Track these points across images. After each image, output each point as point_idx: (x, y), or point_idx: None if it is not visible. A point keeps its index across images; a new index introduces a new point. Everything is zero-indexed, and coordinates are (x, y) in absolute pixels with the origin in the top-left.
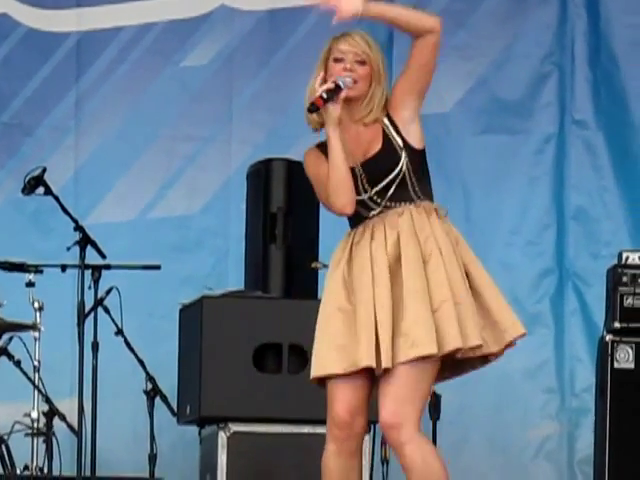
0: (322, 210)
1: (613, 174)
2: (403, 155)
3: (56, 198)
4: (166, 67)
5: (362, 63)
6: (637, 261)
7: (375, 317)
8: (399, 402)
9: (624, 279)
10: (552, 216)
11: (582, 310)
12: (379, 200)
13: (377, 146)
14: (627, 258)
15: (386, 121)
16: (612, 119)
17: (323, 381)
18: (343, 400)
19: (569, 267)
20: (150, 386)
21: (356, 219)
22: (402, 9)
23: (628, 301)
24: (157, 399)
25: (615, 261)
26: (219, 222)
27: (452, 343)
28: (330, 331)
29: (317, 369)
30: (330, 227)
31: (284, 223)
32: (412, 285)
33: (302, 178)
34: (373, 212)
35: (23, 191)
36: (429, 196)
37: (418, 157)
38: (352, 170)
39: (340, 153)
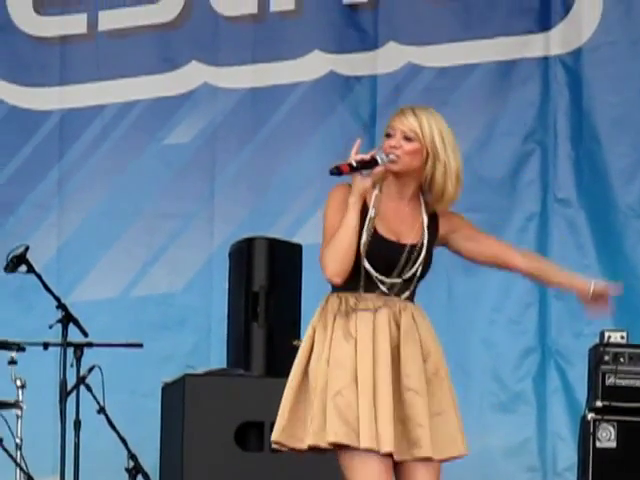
0: (304, 289)
1: (595, 252)
2: (424, 263)
3: (38, 276)
4: (149, 144)
5: (409, 140)
6: (619, 340)
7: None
8: None
9: (606, 358)
10: (534, 294)
11: (564, 388)
12: (388, 284)
13: (413, 236)
14: (609, 337)
15: (426, 219)
16: (594, 197)
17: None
18: None
19: (551, 345)
20: (132, 464)
21: (355, 285)
22: None
23: (610, 380)
24: (139, 477)
25: (597, 340)
26: (201, 300)
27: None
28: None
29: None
30: (312, 306)
31: (266, 301)
32: (418, 384)
33: (284, 257)
34: (377, 290)
35: (5, 269)
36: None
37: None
38: (388, 245)
39: (353, 225)
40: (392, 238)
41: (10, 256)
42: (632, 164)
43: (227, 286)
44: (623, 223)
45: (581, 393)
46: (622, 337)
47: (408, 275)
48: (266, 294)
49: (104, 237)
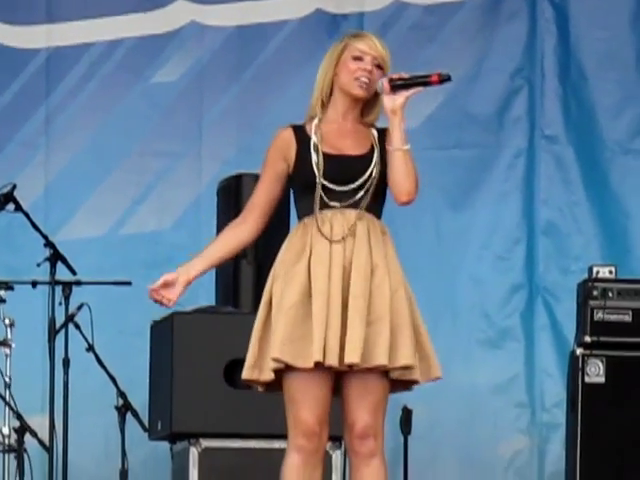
0: (293, 225)
1: (583, 189)
2: (377, 169)
3: (26, 215)
4: (136, 83)
5: (379, 68)
6: (607, 275)
7: (329, 314)
8: (375, 413)
9: (594, 293)
10: (522, 231)
11: (552, 325)
12: (343, 197)
13: (364, 150)
14: (597, 272)
15: (376, 134)
16: (582, 134)
17: (271, 385)
18: (311, 407)
19: (539, 282)
20: (121, 402)
21: (312, 205)
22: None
23: (598, 315)
24: (128, 415)
25: (585, 275)
26: (190, 238)
27: (380, 359)
28: (288, 322)
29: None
30: None
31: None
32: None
33: None
34: (335, 205)
35: None
36: (380, 217)
37: (385, 182)
38: (334, 158)
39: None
40: (335, 152)
41: None
42: (619, 100)
43: (216, 223)
44: (610, 159)
45: (568, 329)
46: (610, 272)
47: (359, 183)
48: None
49: (92, 176)
